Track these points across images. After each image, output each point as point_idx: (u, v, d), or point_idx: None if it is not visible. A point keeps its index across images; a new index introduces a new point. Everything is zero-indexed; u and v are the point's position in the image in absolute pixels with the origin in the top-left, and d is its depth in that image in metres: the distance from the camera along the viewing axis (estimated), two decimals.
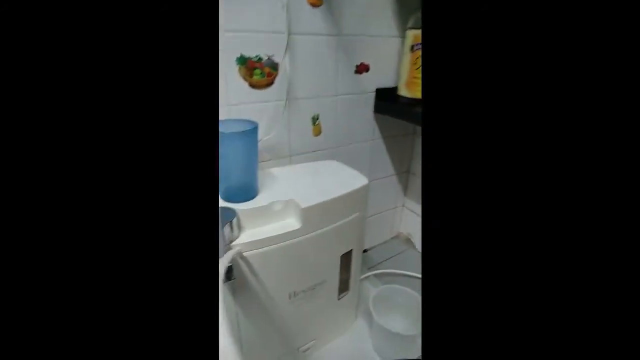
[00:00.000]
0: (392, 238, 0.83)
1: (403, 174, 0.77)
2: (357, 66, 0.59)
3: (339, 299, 0.53)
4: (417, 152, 0.75)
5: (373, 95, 0.63)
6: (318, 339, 0.53)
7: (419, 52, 0.54)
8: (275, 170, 0.52)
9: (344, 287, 0.53)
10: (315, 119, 0.58)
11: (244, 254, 0.39)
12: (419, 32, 0.54)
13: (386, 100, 0.62)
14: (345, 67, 0.58)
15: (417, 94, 0.57)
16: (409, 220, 0.81)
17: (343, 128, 0.62)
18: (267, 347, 0.47)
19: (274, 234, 0.40)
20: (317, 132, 0.60)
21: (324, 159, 0.60)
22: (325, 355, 0.53)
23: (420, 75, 0.55)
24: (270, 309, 0.44)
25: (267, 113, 0.52)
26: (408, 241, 0.81)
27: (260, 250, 0.40)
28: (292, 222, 0.42)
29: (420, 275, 0.69)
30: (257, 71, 0.50)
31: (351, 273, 0.54)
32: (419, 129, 0.73)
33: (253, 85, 0.50)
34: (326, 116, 0.59)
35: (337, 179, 0.50)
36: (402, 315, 0.54)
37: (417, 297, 0.54)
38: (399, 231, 0.84)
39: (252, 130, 0.40)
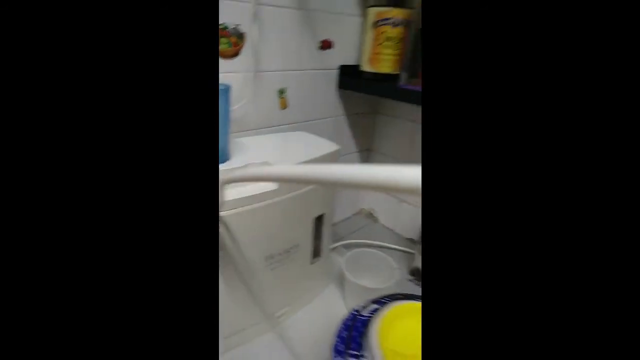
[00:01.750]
0: (355, 214, 0.86)
1: (364, 151, 0.81)
2: (321, 42, 0.61)
3: (311, 264, 0.55)
4: (378, 130, 0.79)
5: (337, 72, 0.65)
6: (292, 305, 0.55)
7: (383, 28, 0.57)
8: (245, 140, 0.52)
9: (316, 252, 0.55)
10: (281, 92, 0.59)
11: (221, 214, 0.39)
12: (381, 9, 0.57)
13: (350, 76, 0.65)
14: (310, 43, 0.59)
15: (381, 69, 0.60)
16: (370, 196, 0.85)
17: (308, 103, 0.64)
18: (244, 314, 0.47)
19: (252, 194, 0.40)
20: (284, 105, 0.60)
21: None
22: (300, 318, 0.55)
23: (384, 51, 0.59)
24: (247, 272, 0.44)
25: (235, 84, 0.52)
26: (370, 215, 0.85)
27: (237, 210, 0.40)
28: (268, 184, 0.43)
29: (386, 244, 0.73)
30: (224, 40, 0.49)
31: (322, 239, 0.56)
32: (380, 108, 0.77)
33: (219, 55, 0.49)
34: (292, 90, 0.60)
35: (309, 146, 0.51)
36: (373, 274, 0.58)
37: (385, 257, 0.58)
38: (362, 207, 0.88)
39: (225, 90, 0.40)
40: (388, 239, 0.76)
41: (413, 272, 0.65)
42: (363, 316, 0.43)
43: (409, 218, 0.76)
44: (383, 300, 0.46)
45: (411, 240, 0.75)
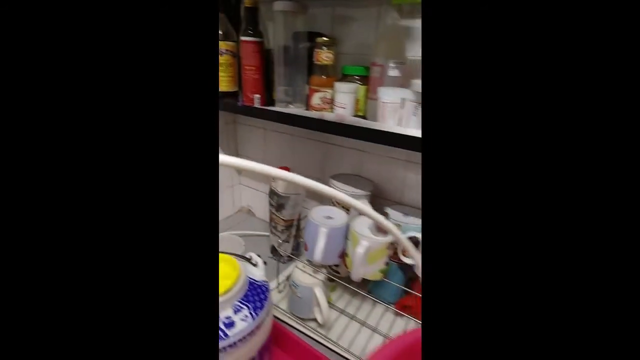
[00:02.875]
0: (235, 213, 0.99)
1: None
2: None
3: None
4: (240, 137, 0.92)
5: None
6: None
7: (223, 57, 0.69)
8: None
9: None
10: None
11: None
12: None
13: None
14: None
15: (222, 87, 0.72)
16: (247, 194, 0.98)
17: None
18: None
19: None
20: None
21: None
22: None
23: (220, 74, 0.71)
24: None
25: None
26: (250, 212, 0.99)
27: None
28: None
29: (258, 232, 0.87)
30: None
31: None
32: (238, 117, 0.90)
33: None
34: None
35: None
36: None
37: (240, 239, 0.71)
38: (241, 205, 1.00)
39: None
40: (263, 228, 0.90)
41: (272, 251, 0.79)
42: None
43: None
44: None
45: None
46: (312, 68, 0.60)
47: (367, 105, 0.59)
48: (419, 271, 0.57)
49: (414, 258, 0.31)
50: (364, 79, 0.58)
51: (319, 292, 0.56)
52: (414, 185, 0.66)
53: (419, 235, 0.57)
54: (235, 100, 0.70)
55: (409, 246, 0.31)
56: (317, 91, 0.59)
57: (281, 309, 0.62)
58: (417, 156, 0.64)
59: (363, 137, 0.51)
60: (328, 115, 0.57)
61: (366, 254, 0.52)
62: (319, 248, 0.55)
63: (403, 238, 0.30)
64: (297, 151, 0.82)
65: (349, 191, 0.65)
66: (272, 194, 0.73)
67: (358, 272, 0.53)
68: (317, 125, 0.55)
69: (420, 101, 0.49)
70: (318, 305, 0.56)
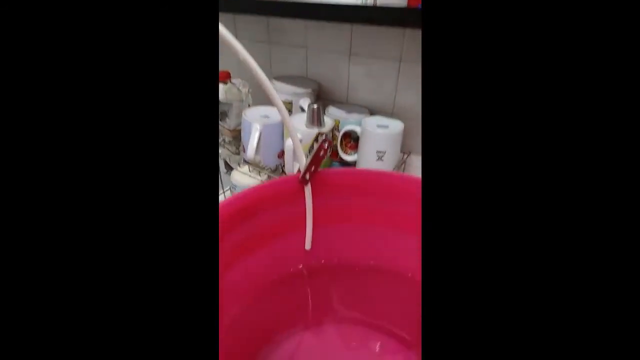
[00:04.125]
0: None
1: None
2: None
3: None
4: None
5: None
6: None
7: None
8: None
9: None
10: None
11: None
12: None
13: None
14: None
15: None
16: None
17: None
18: None
19: None
20: None
21: None
22: None
23: None
24: None
25: None
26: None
27: None
28: None
29: None
30: None
31: None
32: None
33: None
34: None
35: None
36: None
37: None
38: None
39: None
40: None
41: (225, 166, 0.78)
42: None
43: None
44: None
45: None
46: None
47: None
48: (360, 166, 0.56)
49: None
50: None
51: None
52: (359, 86, 0.63)
53: (357, 129, 0.54)
54: None
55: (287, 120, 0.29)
56: None
57: None
58: (360, 45, 0.60)
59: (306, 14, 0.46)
60: None
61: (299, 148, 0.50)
62: (252, 146, 0.53)
63: (281, 105, 0.29)
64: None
65: (290, 91, 0.61)
66: None
67: (292, 166, 0.51)
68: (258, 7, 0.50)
69: None
70: None
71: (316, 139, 0.39)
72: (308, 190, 0.37)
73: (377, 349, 0.37)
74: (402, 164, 0.59)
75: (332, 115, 0.58)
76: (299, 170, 0.36)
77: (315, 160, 0.35)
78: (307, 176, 0.36)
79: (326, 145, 0.34)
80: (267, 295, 0.38)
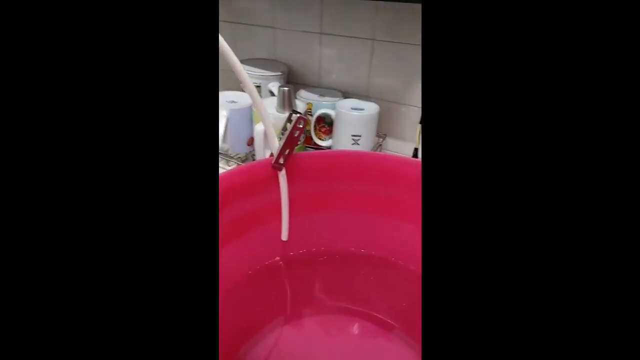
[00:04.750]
0: None
1: None
2: None
3: None
4: None
5: None
6: None
7: None
8: None
9: None
10: None
11: None
12: None
13: None
14: None
15: None
16: None
17: None
18: None
19: None
20: None
21: None
22: None
23: None
24: None
25: None
26: None
27: None
28: None
29: None
30: None
31: None
32: None
33: None
34: None
35: None
36: None
37: None
38: None
39: None
40: None
41: None
42: None
43: None
44: None
45: None
46: None
47: None
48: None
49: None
50: None
51: None
52: (331, 67, 0.60)
53: (331, 113, 0.52)
54: None
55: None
56: None
57: None
58: (331, 25, 0.57)
59: None
60: None
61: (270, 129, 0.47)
62: (219, 133, 0.49)
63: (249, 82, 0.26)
64: None
65: (258, 74, 0.57)
66: None
67: (263, 153, 0.48)
68: None
69: None
70: None
71: (289, 119, 0.36)
72: (283, 176, 0.34)
73: (358, 333, 0.36)
74: (377, 147, 0.57)
75: (305, 98, 0.55)
76: (271, 155, 0.33)
77: (289, 142, 0.32)
78: (281, 160, 0.33)
79: (301, 124, 0.31)
80: (241, 292, 0.35)
